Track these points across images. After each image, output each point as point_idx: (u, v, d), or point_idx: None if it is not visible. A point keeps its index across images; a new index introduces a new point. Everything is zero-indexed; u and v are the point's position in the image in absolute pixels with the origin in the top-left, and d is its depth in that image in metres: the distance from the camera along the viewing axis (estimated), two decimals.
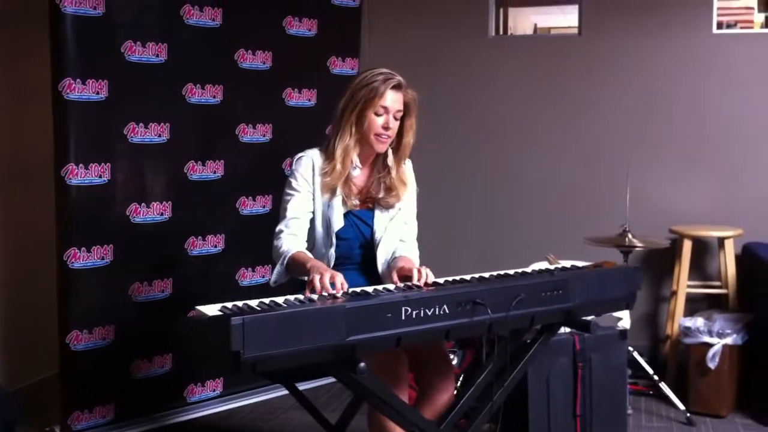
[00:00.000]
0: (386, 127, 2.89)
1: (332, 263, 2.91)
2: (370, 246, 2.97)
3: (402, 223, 3.06)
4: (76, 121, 3.52)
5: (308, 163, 2.95)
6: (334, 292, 2.50)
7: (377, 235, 2.98)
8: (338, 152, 2.91)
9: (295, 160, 2.99)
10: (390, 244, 3.00)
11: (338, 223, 2.92)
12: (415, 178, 3.13)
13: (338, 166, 2.90)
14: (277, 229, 2.94)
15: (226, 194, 4.11)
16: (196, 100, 3.92)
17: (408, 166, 3.11)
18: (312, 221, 2.95)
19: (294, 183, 2.95)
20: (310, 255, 2.86)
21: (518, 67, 5.04)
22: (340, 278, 2.57)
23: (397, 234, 3.03)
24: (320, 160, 2.94)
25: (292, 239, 2.89)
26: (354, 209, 2.96)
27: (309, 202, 2.94)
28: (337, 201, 2.92)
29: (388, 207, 3.01)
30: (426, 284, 2.65)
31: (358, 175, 2.99)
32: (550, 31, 7.23)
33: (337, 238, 2.93)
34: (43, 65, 3.66)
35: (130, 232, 3.76)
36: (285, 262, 2.82)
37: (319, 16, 4.36)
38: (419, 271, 2.69)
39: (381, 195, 2.99)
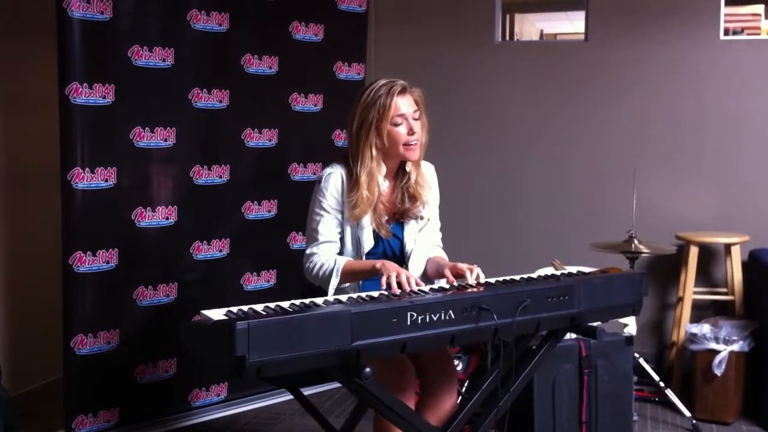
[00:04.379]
0: (411, 133, 2.85)
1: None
2: (398, 259, 2.92)
3: (431, 232, 3.07)
4: (83, 125, 3.52)
5: (337, 180, 2.89)
6: (410, 289, 2.58)
7: (408, 248, 2.97)
8: (363, 179, 2.84)
9: (324, 176, 2.91)
10: (421, 256, 2.98)
11: (369, 243, 2.89)
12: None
13: (365, 194, 2.84)
14: (309, 251, 2.90)
15: (232, 199, 4.11)
16: (202, 105, 3.92)
17: (430, 171, 3.09)
18: (341, 239, 2.93)
19: (324, 203, 2.89)
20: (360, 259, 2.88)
21: (524, 73, 5.03)
22: (411, 276, 2.64)
23: (425, 245, 3.02)
24: (348, 178, 2.89)
25: (329, 255, 2.87)
26: (387, 237, 2.93)
27: (339, 222, 2.91)
28: (367, 221, 2.89)
29: (417, 217, 2.98)
30: (479, 283, 2.68)
31: (385, 189, 2.95)
32: (556, 37, 7.23)
33: (366, 253, 2.91)
34: (45, 72, 3.68)
35: (136, 237, 3.75)
36: (339, 272, 2.80)
37: (326, 22, 4.36)
38: (471, 271, 2.72)
39: (407, 206, 2.96)
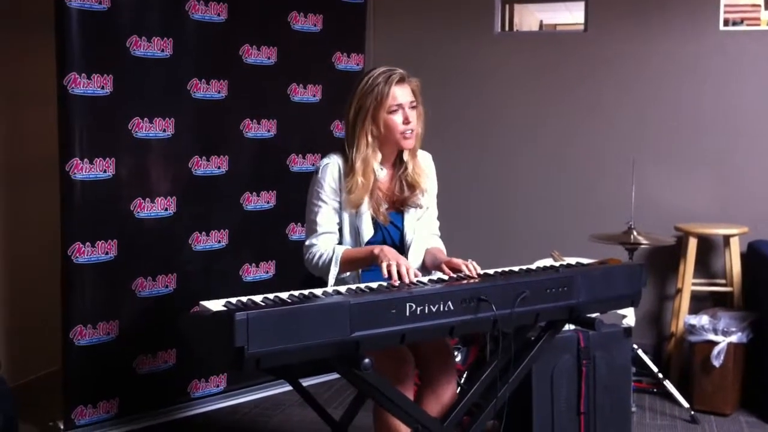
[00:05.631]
0: (407, 122, 2.85)
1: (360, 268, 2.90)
2: (398, 249, 2.91)
3: (429, 221, 3.07)
4: (81, 115, 3.52)
5: (335, 170, 2.89)
6: (408, 281, 2.57)
7: (408, 237, 2.97)
8: (358, 165, 2.84)
9: (321, 167, 2.91)
10: (420, 245, 2.99)
11: (368, 232, 2.89)
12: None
13: (360, 179, 2.84)
14: (308, 242, 2.90)
15: (230, 190, 4.11)
16: (200, 95, 3.91)
17: (428, 160, 3.09)
18: (339, 229, 2.93)
19: (321, 193, 2.89)
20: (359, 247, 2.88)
21: (524, 63, 5.02)
22: (411, 267, 2.63)
23: (424, 234, 3.03)
24: (345, 166, 2.89)
25: (328, 245, 2.87)
26: (386, 224, 2.93)
27: (337, 213, 2.91)
28: (365, 208, 2.89)
29: (416, 206, 2.98)
30: (478, 274, 2.69)
31: (384, 177, 2.95)
32: (555, 27, 7.23)
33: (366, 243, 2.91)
34: (43, 62, 3.67)
35: (134, 228, 3.75)
36: (339, 261, 2.80)
37: (325, 12, 4.35)
38: (467, 266, 2.72)
39: (406, 194, 2.96)
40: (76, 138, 3.52)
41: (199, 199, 3.98)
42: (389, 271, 2.61)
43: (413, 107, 2.89)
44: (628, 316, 3.80)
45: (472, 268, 2.72)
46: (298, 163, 4.35)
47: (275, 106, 4.23)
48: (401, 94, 2.85)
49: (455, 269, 2.75)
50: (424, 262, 2.99)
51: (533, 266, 2.89)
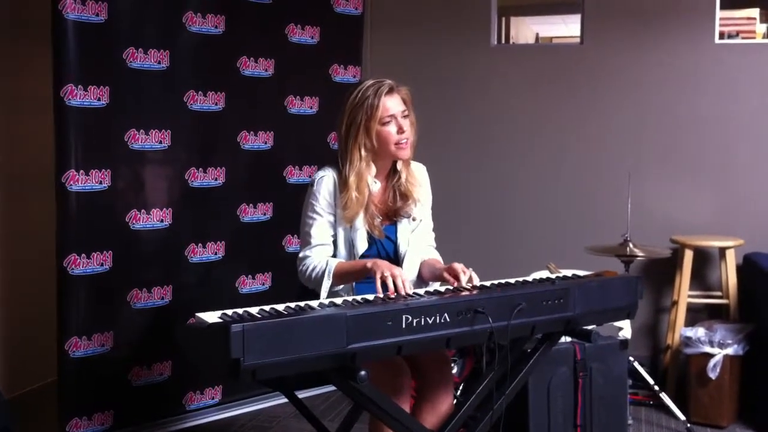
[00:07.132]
0: (401, 131, 2.86)
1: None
2: (392, 261, 2.90)
3: (424, 233, 3.07)
4: (77, 127, 3.51)
5: (329, 183, 2.89)
6: (404, 293, 2.57)
7: (401, 249, 2.97)
8: (352, 180, 2.84)
9: (316, 179, 2.91)
10: (415, 257, 2.99)
11: (362, 246, 2.89)
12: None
13: (355, 194, 2.84)
14: (302, 254, 2.90)
15: (227, 201, 4.11)
16: (197, 107, 3.92)
17: (422, 171, 3.09)
18: (334, 242, 2.93)
19: (316, 206, 2.89)
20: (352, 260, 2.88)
21: (520, 76, 5.03)
22: (406, 279, 2.63)
23: (419, 246, 3.03)
24: (339, 180, 2.88)
25: (322, 257, 2.87)
26: (381, 238, 2.93)
27: (331, 225, 2.91)
28: (360, 223, 2.89)
29: (409, 216, 2.98)
30: (474, 286, 2.68)
31: (377, 190, 2.95)
32: (552, 40, 7.24)
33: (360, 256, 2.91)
34: (40, 73, 3.67)
35: (130, 239, 3.75)
36: (332, 274, 2.80)
37: (322, 24, 4.36)
38: (464, 273, 2.72)
39: (399, 204, 2.96)
40: (72, 149, 3.51)
41: (196, 211, 3.98)
42: (384, 283, 2.60)
43: (405, 116, 2.89)
44: (624, 329, 3.79)
45: (470, 275, 2.72)
46: (295, 175, 4.35)
47: (272, 118, 4.24)
48: (392, 104, 2.86)
49: (454, 275, 2.75)
50: (420, 273, 2.99)
51: (529, 278, 2.89)
